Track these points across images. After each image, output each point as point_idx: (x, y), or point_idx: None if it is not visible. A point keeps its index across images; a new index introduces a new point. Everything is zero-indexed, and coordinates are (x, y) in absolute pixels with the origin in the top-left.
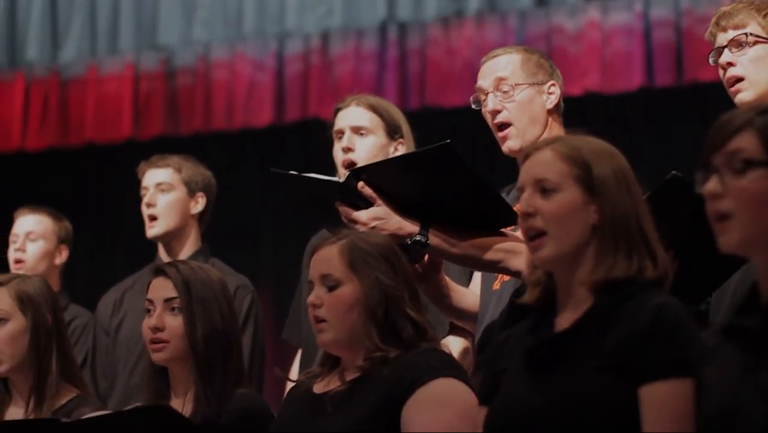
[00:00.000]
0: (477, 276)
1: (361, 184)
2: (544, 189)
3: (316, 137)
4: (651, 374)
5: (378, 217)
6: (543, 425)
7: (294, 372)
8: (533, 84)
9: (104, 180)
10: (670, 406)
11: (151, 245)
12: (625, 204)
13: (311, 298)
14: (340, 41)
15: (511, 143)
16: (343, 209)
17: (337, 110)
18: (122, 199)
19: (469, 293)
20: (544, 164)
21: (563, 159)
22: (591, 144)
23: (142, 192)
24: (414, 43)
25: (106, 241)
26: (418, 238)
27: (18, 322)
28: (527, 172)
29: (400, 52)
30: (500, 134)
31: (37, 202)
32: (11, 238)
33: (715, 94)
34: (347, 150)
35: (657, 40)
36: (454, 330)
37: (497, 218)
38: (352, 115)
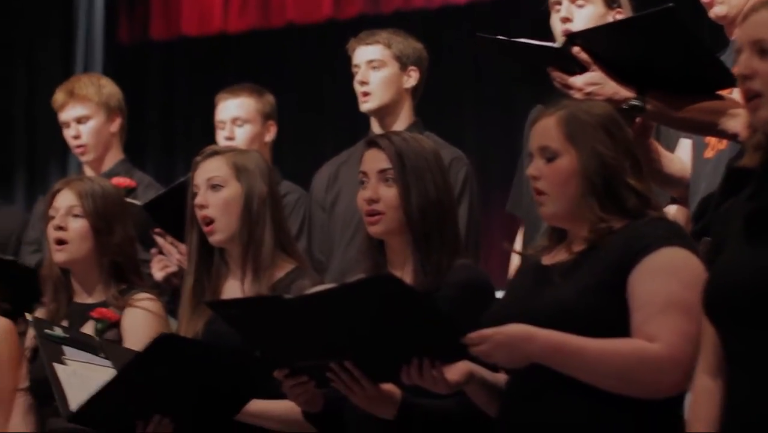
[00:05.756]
0: (686, 143)
1: (577, 49)
2: (762, 50)
3: (523, 12)
4: None
5: (593, 82)
6: (756, 294)
7: (518, 245)
8: None
9: (305, 60)
10: None
11: (356, 123)
12: None
13: (530, 170)
14: None
15: (717, 9)
16: (558, 75)
17: None
18: (321, 80)
19: (677, 159)
20: (764, 25)
21: None
22: None
23: (354, 69)
24: None
25: (310, 120)
26: (634, 102)
27: (233, 189)
28: (744, 32)
29: None
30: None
31: (238, 83)
32: (217, 125)
33: None
34: (565, 20)
35: None
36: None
37: (714, 81)
38: None
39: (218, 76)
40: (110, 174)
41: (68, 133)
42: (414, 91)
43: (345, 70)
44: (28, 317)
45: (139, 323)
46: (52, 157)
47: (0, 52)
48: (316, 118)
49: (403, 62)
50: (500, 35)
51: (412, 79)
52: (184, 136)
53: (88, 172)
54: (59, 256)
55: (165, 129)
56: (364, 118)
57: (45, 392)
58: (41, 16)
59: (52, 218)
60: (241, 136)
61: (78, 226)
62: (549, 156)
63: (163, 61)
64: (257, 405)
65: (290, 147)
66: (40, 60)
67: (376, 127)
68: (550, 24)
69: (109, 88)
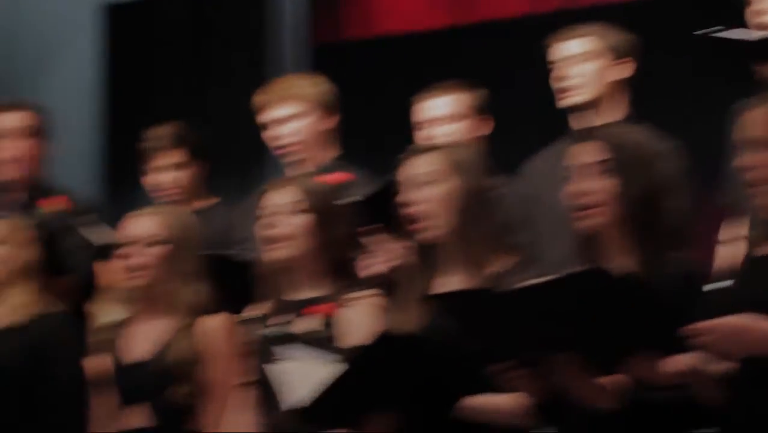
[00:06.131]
0: None
1: None
2: None
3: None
4: None
5: None
6: None
7: (727, 236)
8: None
9: (501, 56)
10: None
11: (555, 118)
12: None
13: (743, 161)
14: None
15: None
16: None
17: None
18: (517, 75)
19: None
20: None
21: None
22: None
23: (553, 65)
24: None
25: (509, 116)
26: None
27: (447, 184)
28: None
29: None
30: None
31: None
32: (419, 125)
33: None
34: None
35: None
36: None
37: None
38: None
39: (414, 75)
40: (326, 171)
41: (280, 132)
42: (624, 83)
43: (542, 66)
44: (245, 316)
45: (360, 319)
46: (259, 158)
47: (195, 59)
48: (514, 114)
49: (615, 53)
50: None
51: (622, 70)
52: (385, 136)
53: (302, 169)
54: (278, 253)
55: (367, 129)
56: (563, 113)
57: (267, 388)
58: (234, 20)
59: (263, 216)
60: (452, 132)
61: (299, 222)
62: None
63: (357, 61)
64: (478, 399)
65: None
66: (234, 64)
67: (581, 121)
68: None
69: (323, 86)
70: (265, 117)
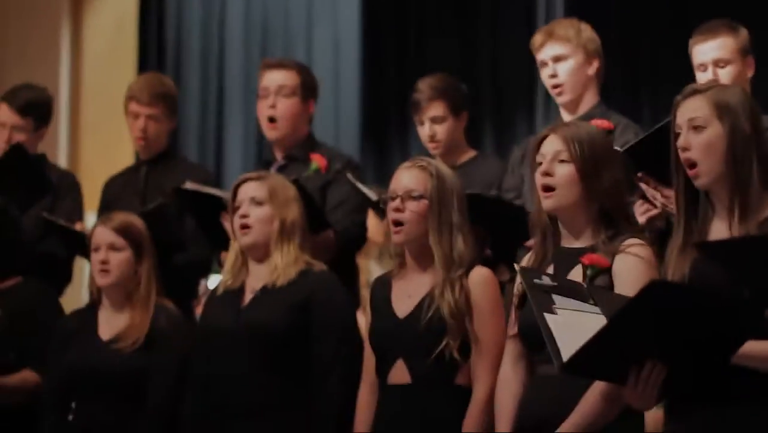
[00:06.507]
0: None
1: None
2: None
3: None
4: None
5: None
6: None
7: None
8: None
9: None
10: None
11: None
12: None
13: None
14: None
15: None
16: None
17: None
18: None
19: None
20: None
21: None
22: None
23: None
24: None
25: None
26: None
27: (715, 129)
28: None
29: None
30: None
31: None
32: (698, 67)
33: None
34: None
35: None
36: None
37: None
38: None
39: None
40: (587, 117)
41: (545, 73)
42: None
43: None
44: (517, 266)
45: (630, 269)
46: (519, 107)
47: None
48: None
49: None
50: None
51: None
52: (648, 79)
53: (564, 114)
54: (550, 201)
55: (627, 73)
56: None
57: (535, 339)
58: None
59: (539, 163)
60: (724, 77)
61: (565, 171)
62: None
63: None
64: (751, 346)
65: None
66: (504, 16)
67: None
68: None
69: (588, 32)
70: (538, 56)
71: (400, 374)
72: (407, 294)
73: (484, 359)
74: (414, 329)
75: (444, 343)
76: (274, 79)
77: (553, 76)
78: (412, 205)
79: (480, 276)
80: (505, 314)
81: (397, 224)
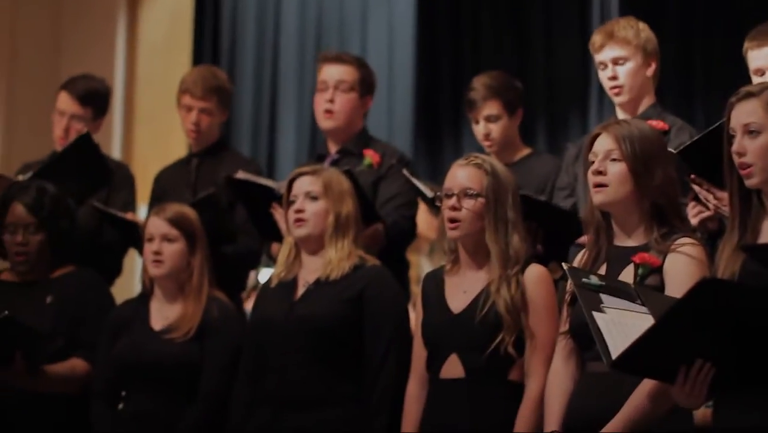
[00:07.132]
0: None
1: None
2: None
3: None
4: None
5: None
6: None
7: None
8: None
9: None
10: None
11: None
12: None
13: None
14: None
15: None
16: None
17: None
18: None
19: None
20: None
21: None
22: None
23: None
24: None
25: None
26: None
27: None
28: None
29: None
30: None
31: None
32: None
33: None
34: None
35: None
36: None
37: None
38: None
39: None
40: (643, 118)
41: (604, 74)
42: None
43: None
44: (564, 266)
45: (681, 268)
46: (572, 105)
47: (517, 7)
48: None
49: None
50: None
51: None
52: (703, 80)
53: (620, 114)
54: (601, 198)
55: (682, 72)
56: None
57: (585, 336)
58: None
59: (592, 162)
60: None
61: (616, 170)
62: None
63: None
64: None
65: None
66: (558, 12)
67: None
68: None
69: (647, 32)
70: (598, 57)
71: (453, 368)
72: (462, 290)
73: (539, 355)
74: (469, 324)
75: (499, 338)
76: (333, 73)
77: (613, 78)
78: (468, 203)
79: (536, 273)
80: (558, 312)
81: (454, 220)
